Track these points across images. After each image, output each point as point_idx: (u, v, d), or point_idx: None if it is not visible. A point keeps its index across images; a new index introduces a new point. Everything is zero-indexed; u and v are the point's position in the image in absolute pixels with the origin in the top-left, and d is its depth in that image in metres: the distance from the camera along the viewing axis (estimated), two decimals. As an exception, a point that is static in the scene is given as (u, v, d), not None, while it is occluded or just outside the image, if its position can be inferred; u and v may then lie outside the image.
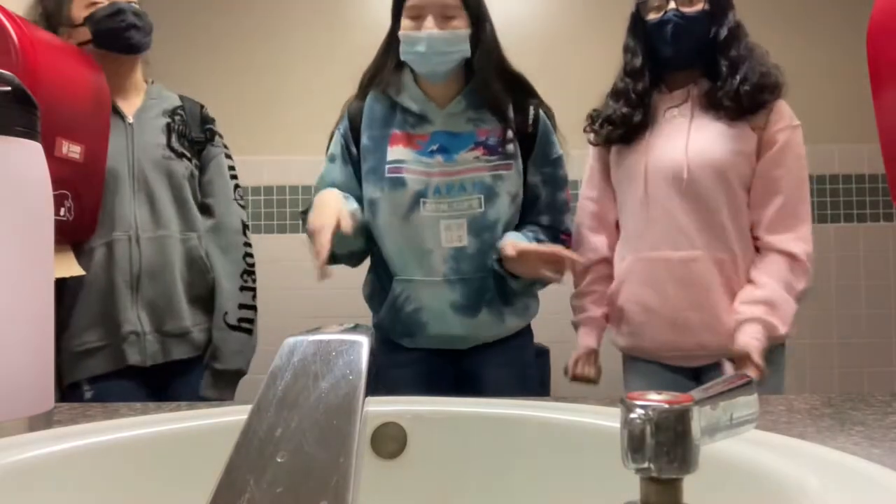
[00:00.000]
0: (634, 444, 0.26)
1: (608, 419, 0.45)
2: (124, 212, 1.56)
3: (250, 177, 3.05)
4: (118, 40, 1.59)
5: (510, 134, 1.54)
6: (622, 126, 1.61)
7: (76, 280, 1.51)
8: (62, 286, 1.51)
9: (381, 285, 1.62)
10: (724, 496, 0.35)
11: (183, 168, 1.64)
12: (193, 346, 1.65)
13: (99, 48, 1.58)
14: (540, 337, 1.76)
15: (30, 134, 0.54)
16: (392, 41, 1.54)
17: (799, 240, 1.52)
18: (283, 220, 3.18)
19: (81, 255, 1.53)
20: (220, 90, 3.11)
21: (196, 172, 1.68)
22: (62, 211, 1.38)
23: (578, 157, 1.73)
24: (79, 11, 1.57)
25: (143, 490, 0.43)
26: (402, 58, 1.52)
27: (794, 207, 1.53)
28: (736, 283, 1.54)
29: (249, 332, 1.69)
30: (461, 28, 1.49)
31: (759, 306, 1.48)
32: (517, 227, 1.58)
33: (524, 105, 1.57)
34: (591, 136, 1.69)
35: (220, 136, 1.76)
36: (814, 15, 3.18)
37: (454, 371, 1.61)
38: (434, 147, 1.53)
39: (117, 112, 1.59)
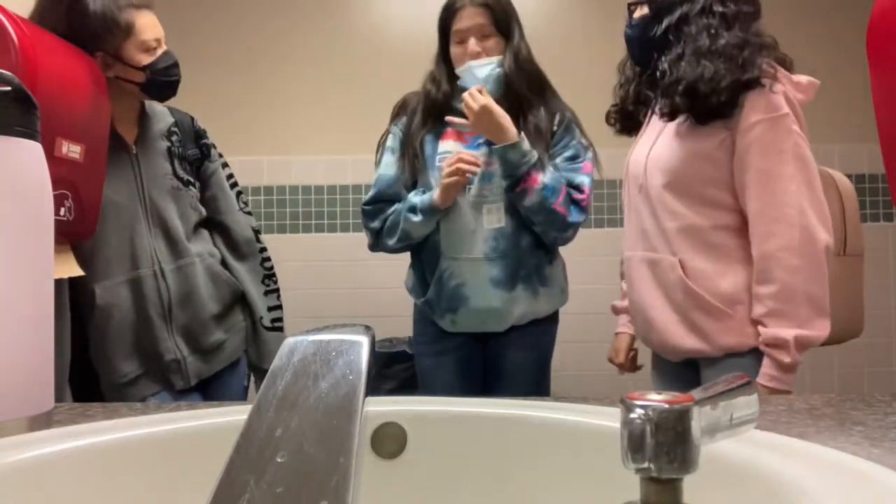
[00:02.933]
0: (634, 444, 0.26)
1: (608, 419, 0.45)
2: (144, 247, 1.57)
3: (250, 177, 3.05)
4: (163, 92, 1.61)
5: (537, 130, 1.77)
6: (615, 117, 1.68)
7: (105, 315, 1.53)
8: (88, 319, 1.53)
9: (421, 272, 1.84)
10: (724, 496, 0.35)
11: (189, 197, 1.66)
12: (232, 351, 1.70)
13: (143, 91, 1.58)
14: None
15: (30, 134, 0.54)
16: (443, 59, 1.83)
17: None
18: (283, 220, 3.18)
19: (104, 290, 1.53)
20: (220, 90, 3.11)
21: (198, 194, 1.70)
22: (62, 211, 1.37)
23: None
24: (135, 54, 1.53)
25: (143, 490, 0.43)
26: (457, 73, 1.81)
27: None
28: (679, 288, 1.45)
29: (282, 329, 1.79)
30: (495, 46, 1.77)
31: None
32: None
33: (548, 107, 1.81)
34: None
35: (214, 147, 1.77)
36: (813, 15, 3.18)
37: (484, 354, 1.83)
38: (480, 140, 1.76)
39: (119, 140, 1.56)
